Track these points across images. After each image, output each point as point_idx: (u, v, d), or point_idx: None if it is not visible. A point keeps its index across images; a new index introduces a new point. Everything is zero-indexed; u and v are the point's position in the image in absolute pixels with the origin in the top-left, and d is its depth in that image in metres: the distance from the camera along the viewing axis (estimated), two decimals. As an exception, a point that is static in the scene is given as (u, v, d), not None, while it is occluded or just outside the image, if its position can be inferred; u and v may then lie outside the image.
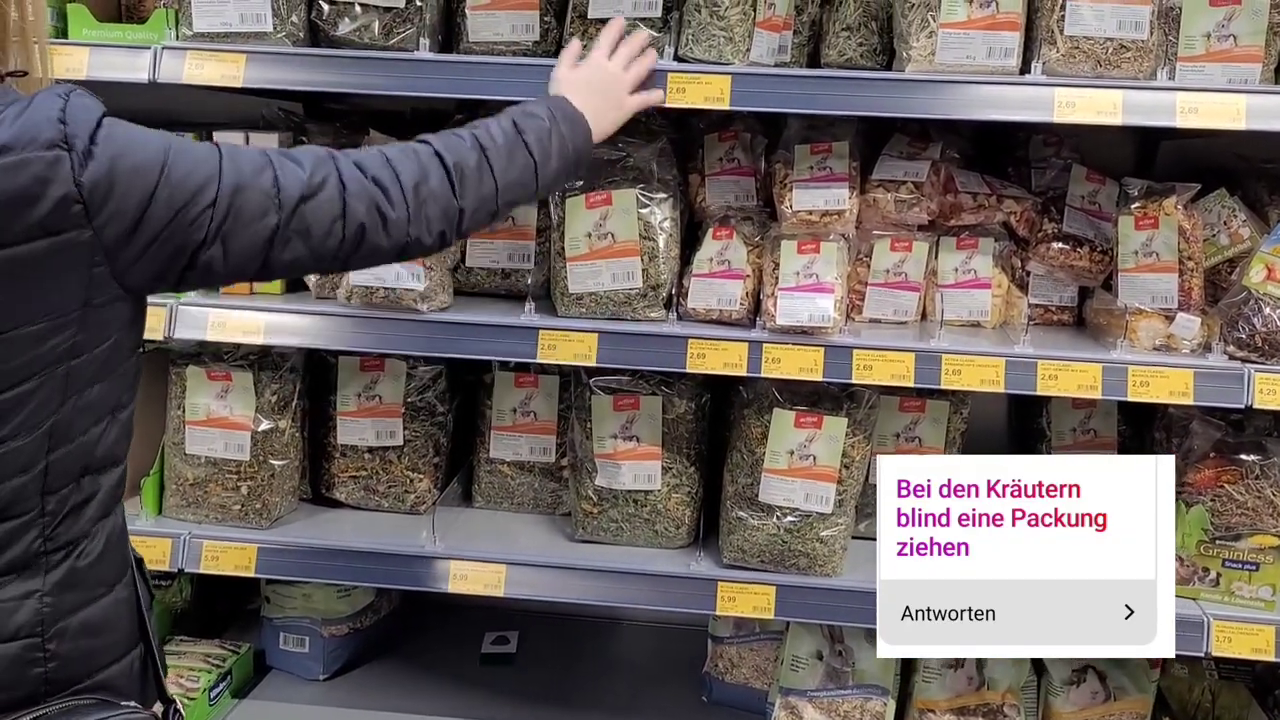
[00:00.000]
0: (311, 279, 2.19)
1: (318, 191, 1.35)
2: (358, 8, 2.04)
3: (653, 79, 1.89)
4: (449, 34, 2.15)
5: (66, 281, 1.16)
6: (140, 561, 1.42)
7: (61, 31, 2.04)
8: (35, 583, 1.20)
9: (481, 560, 2.09)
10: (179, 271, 1.25)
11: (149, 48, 1.98)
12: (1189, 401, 1.92)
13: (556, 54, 2.05)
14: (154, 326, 2.05)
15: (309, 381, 2.29)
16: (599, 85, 1.80)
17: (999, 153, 2.40)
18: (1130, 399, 1.93)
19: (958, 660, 2.18)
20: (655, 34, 1.93)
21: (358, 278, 2.05)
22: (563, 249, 2.09)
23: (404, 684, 2.41)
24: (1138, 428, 2.43)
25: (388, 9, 2.03)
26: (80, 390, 1.21)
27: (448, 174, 1.50)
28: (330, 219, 1.36)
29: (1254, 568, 1.98)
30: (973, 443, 2.31)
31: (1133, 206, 2.05)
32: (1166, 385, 1.92)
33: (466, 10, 2.09)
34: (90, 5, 2.06)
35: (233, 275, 1.32)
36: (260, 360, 2.19)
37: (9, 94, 1.16)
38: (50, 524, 1.21)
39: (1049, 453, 2.47)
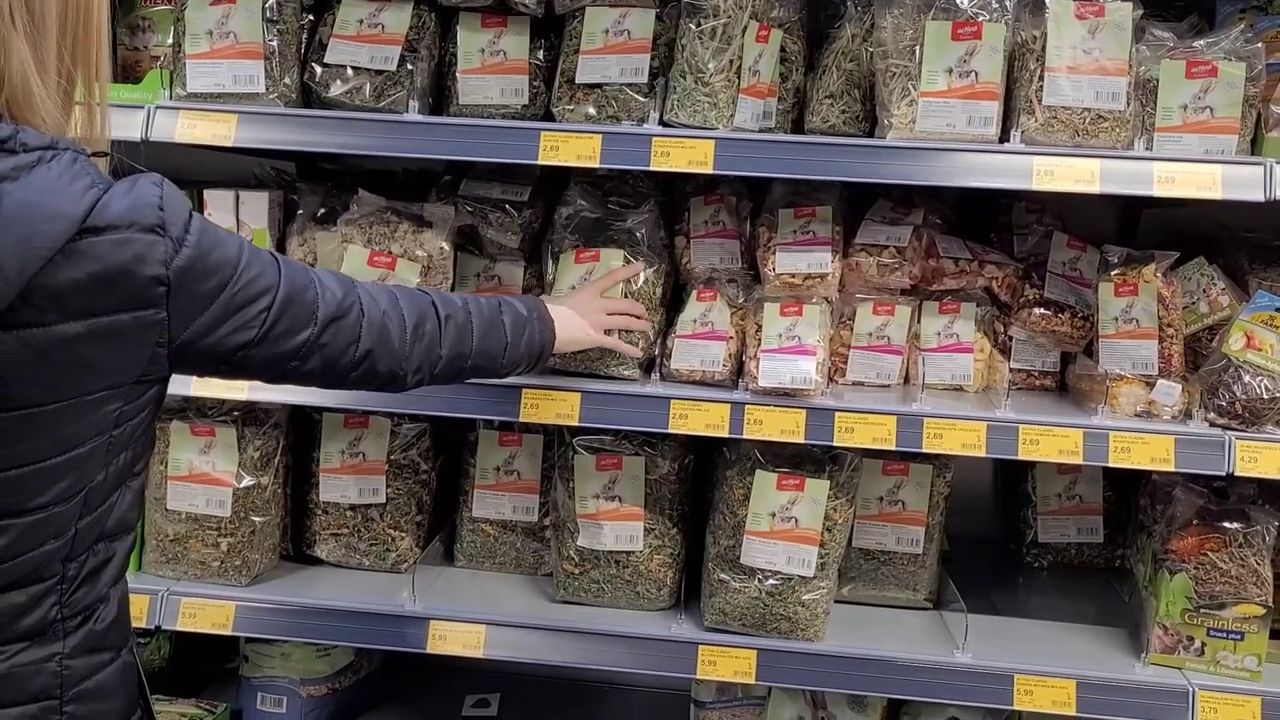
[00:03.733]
0: (298, 335, 2.21)
1: (345, 314, 1.46)
2: (349, 70, 2.08)
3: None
4: (440, 97, 2.19)
5: (132, 354, 1.22)
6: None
7: (58, 90, 2.07)
8: (55, 646, 1.24)
9: (461, 620, 2.07)
10: (218, 361, 1.33)
11: (143, 107, 2.01)
12: (1170, 468, 1.91)
13: (545, 117, 2.11)
14: (138, 381, 2.05)
15: (292, 438, 2.29)
16: (583, 309, 1.97)
17: (981, 219, 2.43)
18: (1111, 464, 1.92)
19: (941, 729, 2.15)
20: (649, 333, 2.11)
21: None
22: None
23: (382, 747, 2.38)
24: (1123, 494, 2.43)
25: (379, 72, 2.07)
26: (115, 458, 1.25)
27: (439, 323, 1.63)
28: (348, 341, 1.47)
29: (1239, 637, 1.96)
30: (957, 508, 2.30)
31: (1113, 273, 2.07)
32: (1148, 451, 1.92)
33: (457, 74, 2.13)
34: (88, 65, 2.09)
35: (255, 375, 1.41)
36: (244, 416, 2.20)
37: (90, 165, 1.21)
38: (68, 590, 1.24)
39: (1035, 518, 2.47)
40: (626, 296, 2.09)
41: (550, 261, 2.20)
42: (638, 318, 2.07)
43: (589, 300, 2.01)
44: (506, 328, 1.74)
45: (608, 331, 2.01)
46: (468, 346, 1.67)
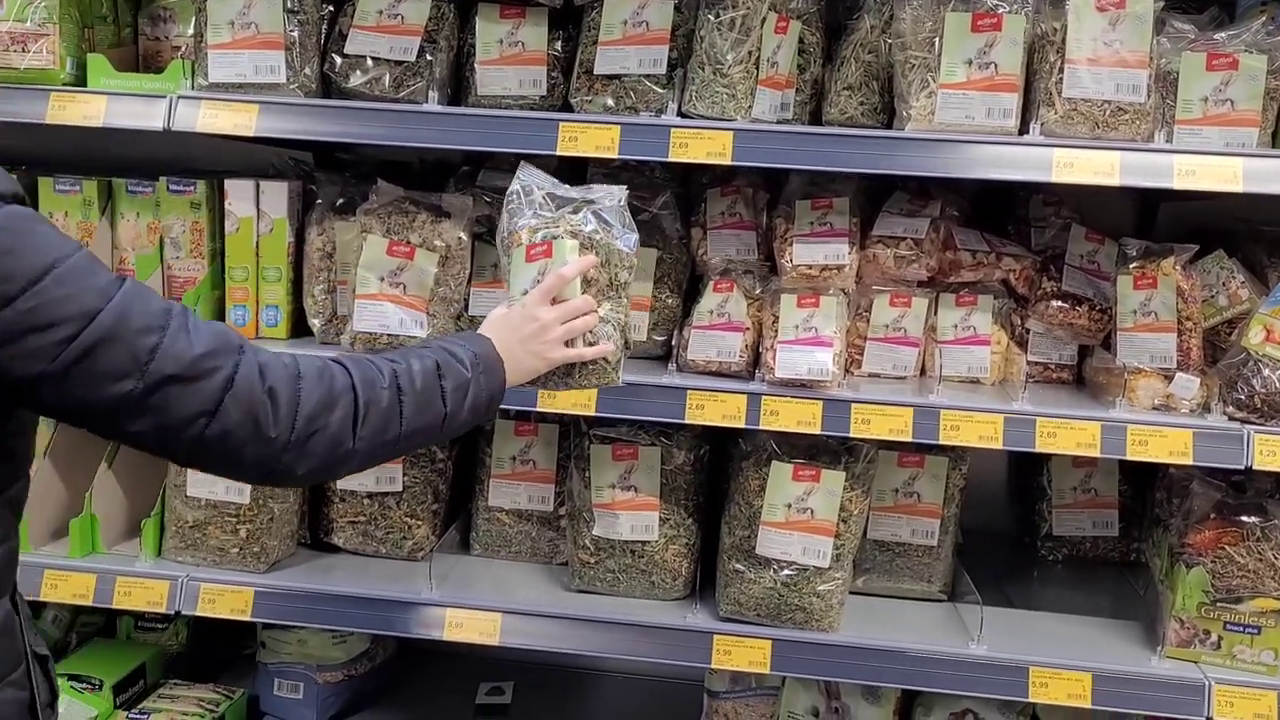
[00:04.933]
0: (316, 323, 2.22)
1: (196, 379, 1.22)
2: (369, 60, 2.09)
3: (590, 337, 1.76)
4: (458, 87, 2.19)
5: None
6: (45, 659, 1.37)
7: (80, 80, 2.09)
8: None
9: (477, 608, 2.08)
10: (12, 391, 1.16)
11: (164, 97, 2.02)
12: (1188, 461, 1.91)
13: (564, 108, 2.11)
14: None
15: (311, 426, 2.30)
16: (527, 334, 1.70)
17: (999, 211, 2.43)
18: (1129, 458, 1.92)
19: (955, 719, 2.16)
20: (608, 312, 1.79)
21: (361, 323, 2.08)
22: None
23: (397, 734, 2.39)
24: (1139, 488, 2.42)
25: (398, 62, 2.08)
26: None
27: (355, 412, 1.37)
28: (196, 412, 1.23)
29: (1256, 631, 1.96)
30: (972, 500, 2.30)
31: (1131, 266, 2.06)
32: (1165, 445, 1.91)
33: (476, 65, 2.14)
34: (110, 56, 2.11)
35: (69, 418, 1.24)
36: (263, 404, 2.21)
37: None
38: None
39: (1049, 511, 2.46)
40: (591, 287, 1.78)
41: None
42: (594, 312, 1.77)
43: (528, 322, 1.70)
44: (446, 395, 1.50)
45: (569, 343, 1.74)
46: (393, 433, 1.42)
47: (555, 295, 1.72)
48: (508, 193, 1.85)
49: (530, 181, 1.86)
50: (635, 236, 1.84)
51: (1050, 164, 1.88)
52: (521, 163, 1.88)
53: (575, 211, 1.81)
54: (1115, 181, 1.87)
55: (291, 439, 1.30)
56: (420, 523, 2.29)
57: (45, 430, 2.16)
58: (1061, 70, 1.91)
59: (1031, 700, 1.97)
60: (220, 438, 1.25)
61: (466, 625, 2.08)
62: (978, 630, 2.01)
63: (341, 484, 2.29)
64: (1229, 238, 2.25)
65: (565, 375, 1.77)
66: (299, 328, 2.26)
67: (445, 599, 2.09)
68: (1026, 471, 2.53)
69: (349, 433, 1.36)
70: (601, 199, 1.84)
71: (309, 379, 1.34)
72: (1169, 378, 1.98)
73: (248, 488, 2.15)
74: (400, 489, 2.28)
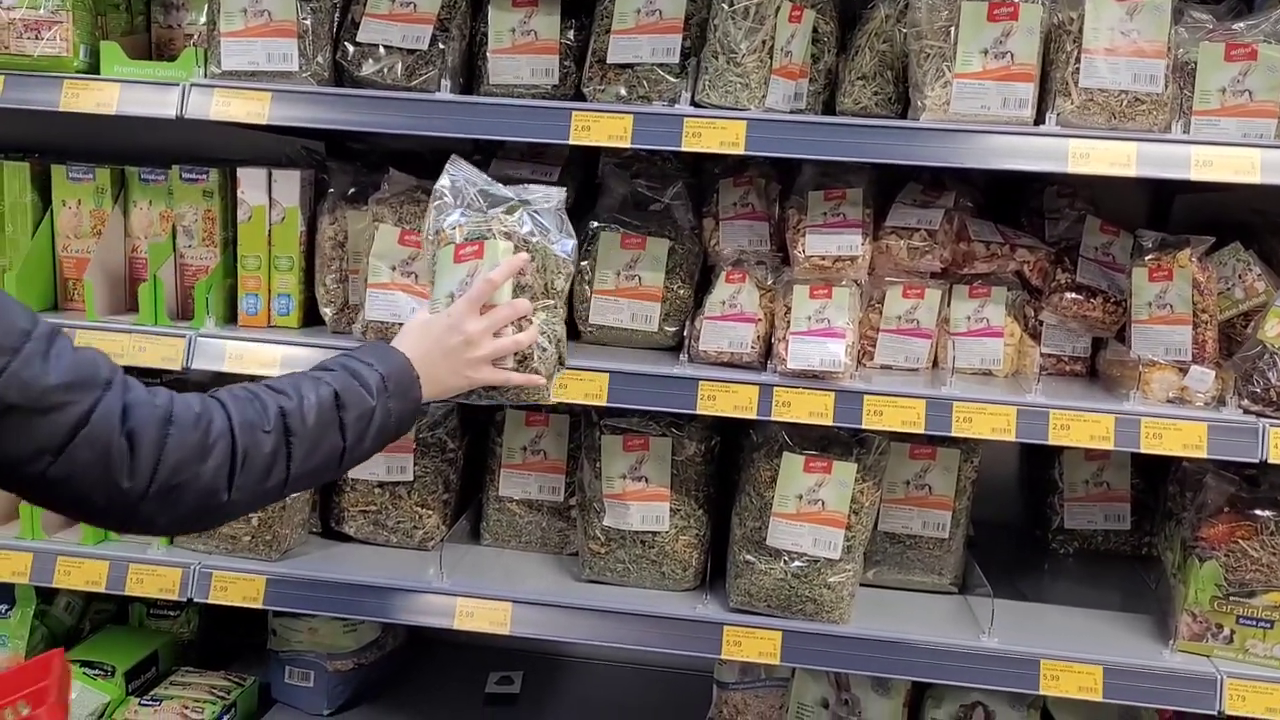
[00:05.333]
0: (328, 312, 2.22)
1: (44, 412, 1.10)
2: (381, 49, 2.08)
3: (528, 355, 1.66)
4: (470, 76, 2.19)
5: None
6: None
7: (93, 68, 2.09)
8: None
9: (488, 598, 2.08)
10: None
11: (178, 84, 2.02)
12: (1202, 455, 1.90)
13: (576, 97, 2.10)
14: (171, 357, 2.08)
15: (322, 415, 2.30)
16: (451, 347, 1.55)
17: (1013, 203, 2.41)
18: (1143, 450, 1.91)
19: (965, 712, 2.15)
20: (540, 309, 1.69)
21: (373, 312, 2.08)
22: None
23: (407, 722, 2.40)
24: (1151, 481, 2.41)
25: (411, 51, 2.08)
26: None
27: (231, 460, 1.26)
28: (38, 448, 1.11)
29: (1269, 625, 1.95)
30: (982, 493, 2.29)
31: (1147, 258, 2.05)
32: (1180, 438, 1.90)
33: (488, 54, 2.13)
34: (123, 43, 2.11)
35: None
36: (275, 392, 2.21)
37: None
38: None
39: (1061, 505, 2.45)
40: (524, 293, 1.65)
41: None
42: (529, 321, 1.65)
43: (453, 333, 1.56)
44: (345, 427, 1.39)
45: (498, 362, 1.61)
46: (276, 480, 1.32)
47: (485, 303, 1.59)
48: (435, 188, 1.75)
49: (461, 176, 1.75)
50: (573, 243, 1.75)
51: (1066, 154, 1.87)
52: (452, 156, 1.79)
53: (510, 212, 1.71)
54: (1132, 172, 1.86)
55: (151, 489, 1.19)
56: (431, 512, 2.30)
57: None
58: (1078, 60, 1.89)
59: (1042, 692, 1.97)
60: (64, 479, 1.13)
61: (477, 614, 2.08)
62: (989, 623, 2.00)
63: (353, 473, 2.28)
64: (1246, 230, 2.23)
65: (490, 388, 1.66)
66: (311, 316, 2.26)
67: (456, 588, 2.10)
68: (1038, 464, 2.52)
69: (223, 483, 1.25)
70: (538, 200, 1.74)
71: (181, 424, 1.22)
72: (1184, 370, 1.97)
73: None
74: (411, 478, 2.28)
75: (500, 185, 1.76)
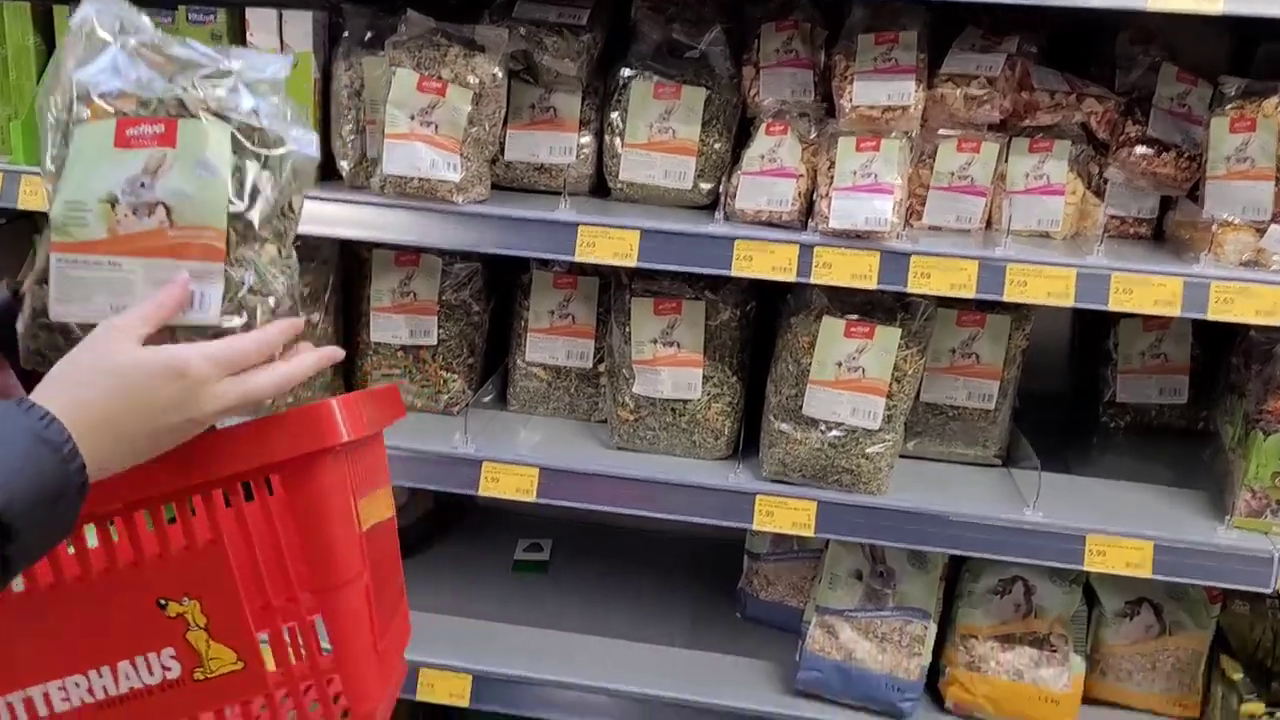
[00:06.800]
0: (344, 165, 2.11)
1: None
2: (395, -126, 1.91)
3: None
4: (492, -94, 2.01)
5: None
6: None
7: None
8: None
9: (514, 463, 2.03)
10: None
11: (176, -86, 1.87)
12: (1276, 321, 1.77)
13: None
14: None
15: (342, 275, 2.22)
16: (161, 405, 0.99)
17: (1081, 50, 2.22)
18: (1211, 317, 1.78)
19: (1004, 586, 2.09)
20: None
21: (391, 165, 1.97)
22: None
23: (435, 587, 2.38)
24: (1213, 353, 2.29)
25: (426, -124, 1.90)
26: None
27: None
28: None
29: (1333, 503, 1.85)
30: (1033, 363, 2.18)
31: (1228, 107, 1.88)
32: (1253, 304, 1.77)
33: (510, -121, 1.95)
34: None
35: None
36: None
37: None
38: None
39: (1114, 376, 2.34)
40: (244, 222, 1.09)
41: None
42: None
43: (176, 361, 1.01)
44: None
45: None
46: None
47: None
48: (71, 28, 1.11)
49: (115, 15, 1.11)
50: (315, 137, 1.17)
51: (1146, -12, 1.69)
52: None
53: (215, 83, 1.11)
54: (1219, 9, 1.68)
55: None
56: (456, 376, 2.23)
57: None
58: (1167, -120, 1.69)
59: (1087, 568, 1.89)
60: None
61: (504, 480, 2.03)
62: (1034, 496, 1.92)
63: (375, 336, 2.22)
64: (1336, 79, 2.04)
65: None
66: (327, 170, 2.14)
67: (480, 453, 2.04)
68: (1091, 334, 2.39)
69: None
70: (249, 70, 1.12)
71: None
72: (1261, 231, 1.82)
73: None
74: (435, 341, 2.20)
75: (185, 41, 1.12)
